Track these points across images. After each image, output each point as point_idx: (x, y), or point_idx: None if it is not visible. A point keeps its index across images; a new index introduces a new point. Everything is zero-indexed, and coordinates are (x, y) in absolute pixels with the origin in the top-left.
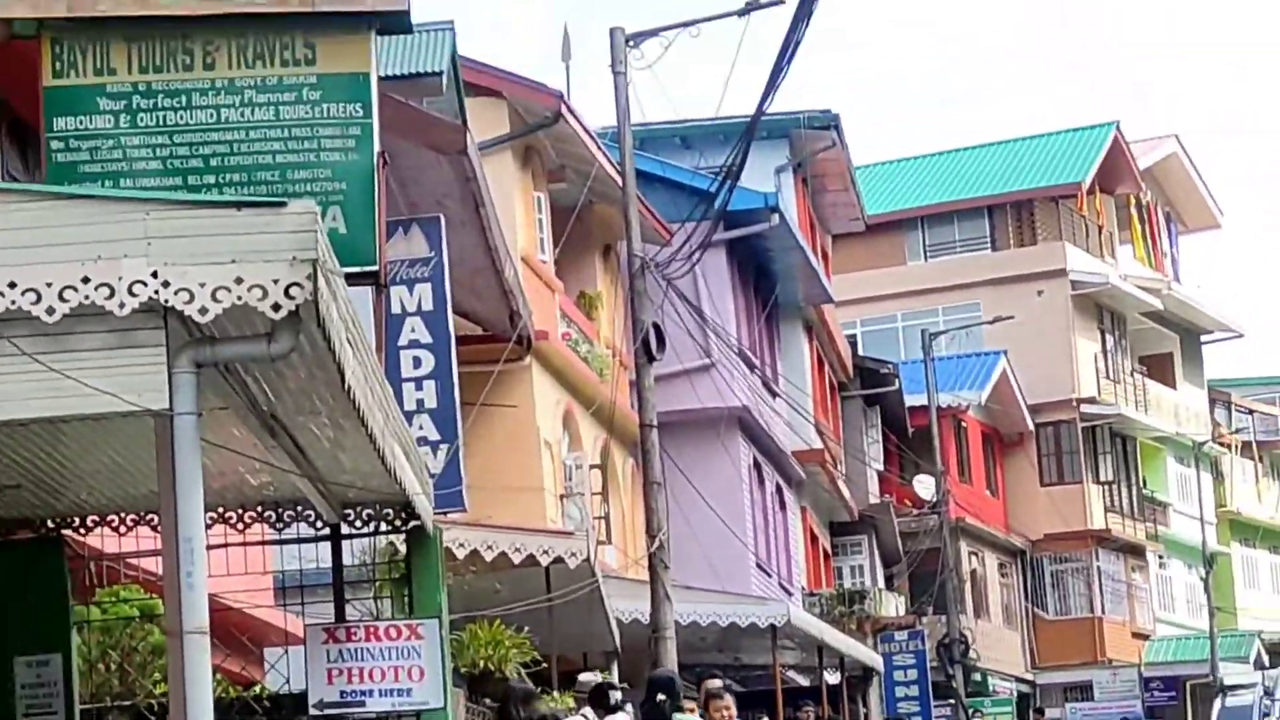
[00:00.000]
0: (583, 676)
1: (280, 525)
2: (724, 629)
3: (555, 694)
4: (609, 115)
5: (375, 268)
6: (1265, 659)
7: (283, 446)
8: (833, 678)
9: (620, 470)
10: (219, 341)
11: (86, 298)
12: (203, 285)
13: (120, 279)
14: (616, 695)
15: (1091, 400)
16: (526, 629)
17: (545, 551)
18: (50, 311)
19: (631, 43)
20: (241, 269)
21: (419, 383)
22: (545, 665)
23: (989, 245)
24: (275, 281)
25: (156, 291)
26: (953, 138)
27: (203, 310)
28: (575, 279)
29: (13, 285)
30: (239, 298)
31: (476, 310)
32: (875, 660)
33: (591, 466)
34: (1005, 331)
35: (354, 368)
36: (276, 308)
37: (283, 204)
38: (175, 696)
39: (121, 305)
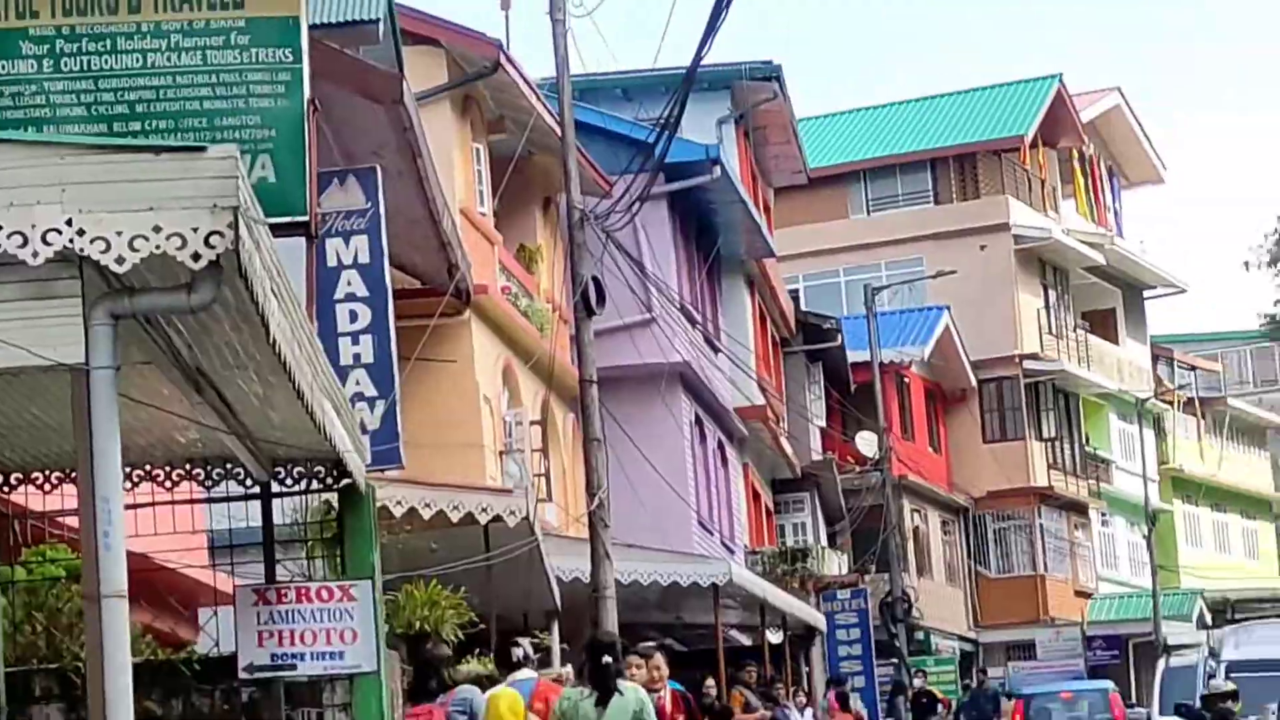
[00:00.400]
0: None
1: (209, 483)
2: (665, 588)
3: (490, 656)
4: (549, 66)
5: (306, 218)
6: (1208, 617)
7: (209, 402)
8: (775, 637)
9: (560, 426)
10: (137, 292)
11: None
12: (119, 234)
13: (33, 227)
14: (518, 652)
15: (1034, 356)
16: (464, 589)
17: (484, 509)
18: None
19: None
20: (159, 217)
21: (355, 337)
22: (484, 626)
23: (931, 199)
24: (195, 230)
25: (71, 240)
26: (896, 90)
27: (119, 260)
28: (514, 232)
29: None
30: (157, 246)
31: (414, 263)
32: (818, 619)
33: (531, 423)
34: (948, 287)
35: (279, 320)
36: (196, 257)
37: (202, 149)
38: (93, 662)
39: (35, 254)
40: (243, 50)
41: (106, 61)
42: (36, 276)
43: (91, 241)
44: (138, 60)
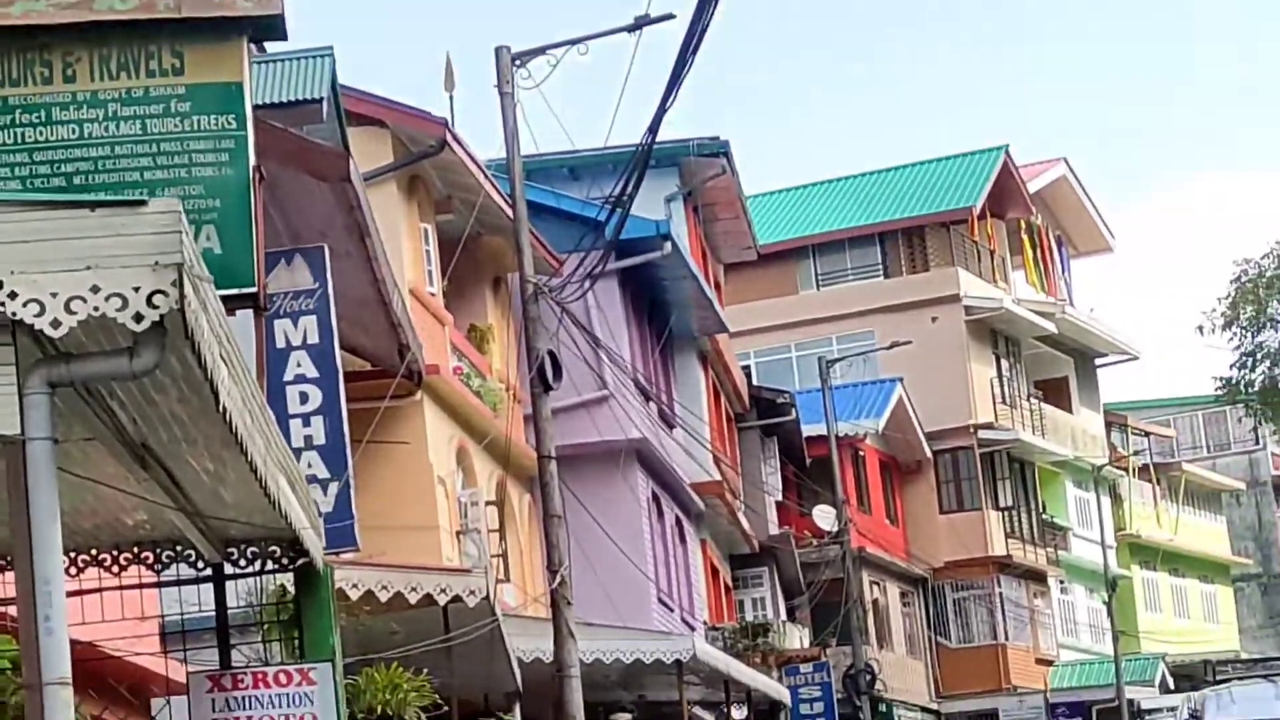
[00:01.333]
0: None
1: (159, 566)
2: (628, 666)
3: None
4: (495, 146)
5: (254, 289)
6: (1170, 681)
7: (156, 480)
8: (739, 713)
9: (517, 507)
10: (75, 358)
11: None
12: (54, 295)
13: None
14: None
15: (989, 426)
16: (425, 671)
17: (443, 590)
18: None
19: (518, 62)
20: (97, 276)
21: (306, 419)
22: (446, 708)
23: (881, 273)
24: (136, 289)
25: (2, 303)
26: (842, 165)
27: (55, 323)
28: (465, 312)
29: None
30: (95, 308)
31: (364, 345)
32: (782, 693)
33: (487, 503)
34: (900, 359)
35: (229, 388)
36: (138, 318)
37: (142, 203)
38: None
39: None
40: (184, 118)
41: (41, 133)
42: None
43: (24, 304)
44: (74, 131)
